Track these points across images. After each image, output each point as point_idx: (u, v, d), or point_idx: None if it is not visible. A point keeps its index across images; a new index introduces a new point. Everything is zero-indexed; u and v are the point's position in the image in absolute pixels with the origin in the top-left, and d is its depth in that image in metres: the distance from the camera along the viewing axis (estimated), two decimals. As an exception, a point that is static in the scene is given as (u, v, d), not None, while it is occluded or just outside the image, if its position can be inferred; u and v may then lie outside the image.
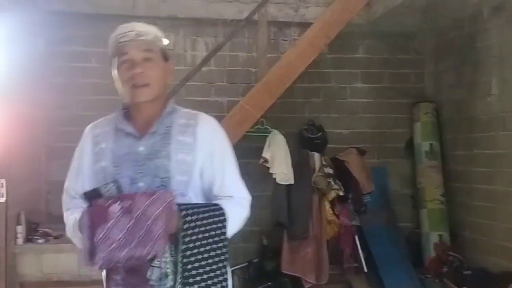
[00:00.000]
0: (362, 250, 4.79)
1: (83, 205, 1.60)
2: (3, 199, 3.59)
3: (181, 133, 1.65)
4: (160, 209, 1.43)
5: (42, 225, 4.15)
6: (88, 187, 1.63)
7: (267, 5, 4.46)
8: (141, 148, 1.62)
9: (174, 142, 1.63)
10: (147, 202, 1.43)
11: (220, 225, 1.57)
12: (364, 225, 4.87)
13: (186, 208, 1.52)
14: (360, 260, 4.77)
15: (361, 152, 4.94)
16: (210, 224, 1.55)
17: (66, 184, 1.80)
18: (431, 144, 5.13)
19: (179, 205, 1.51)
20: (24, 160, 4.09)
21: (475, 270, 4.45)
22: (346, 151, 4.96)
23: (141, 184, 1.58)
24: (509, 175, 4.21)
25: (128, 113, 1.71)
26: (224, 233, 1.58)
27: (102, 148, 1.68)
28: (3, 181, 3.60)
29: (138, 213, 1.42)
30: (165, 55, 1.69)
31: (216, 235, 1.55)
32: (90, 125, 1.78)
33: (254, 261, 4.72)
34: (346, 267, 4.74)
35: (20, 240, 3.81)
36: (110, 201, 1.45)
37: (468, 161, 4.81)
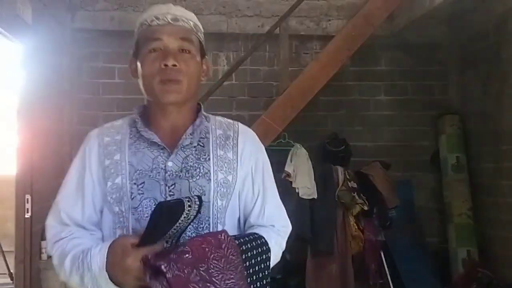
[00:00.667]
0: (388, 267, 4.68)
1: (82, 234, 1.30)
2: (28, 215, 3.63)
3: (220, 147, 1.35)
4: (234, 260, 1.16)
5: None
6: (91, 212, 1.32)
7: (289, 18, 4.46)
8: (170, 164, 1.29)
9: (213, 157, 1.32)
10: (213, 256, 1.13)
11: (265, 260, 1.29)
12: (389, 241, 4.77)
13: (240, 244, 1.23)
14: (386, 277, 4.67)
15: (386, 166, 4.87)
16: (258, 260, 1.28)
17: (58, 206, 1.36)
18: (457, 157, 5.03)
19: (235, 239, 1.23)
20: (49, 175, 4.14)
21: (505, 286, 4.33)
22: (370, 164, 4.88)
23: None
24: (540, 188, 4.10)
25: (146, 118, 1.38)
26: (268, 268, 1.30)
27: (116, 161, 1.32)
28: (29, 196, 3.64)
29: (216, 277, 1.12)
30: (202, 49, 1.41)
31: (260, 270, 1.28)
32: (93, 131, 1.41)
33: (278, 277, 4.66)
34: (371, 283, 4.65)
35: (44, 256, 3.83)
36: (185, 268, 1.09)
37: (495, 174, 4.70)
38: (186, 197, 1.14)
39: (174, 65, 1.28)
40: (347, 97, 5.27)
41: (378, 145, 5.25)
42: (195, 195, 1.20)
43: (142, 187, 1.28)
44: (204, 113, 1.41)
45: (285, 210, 1.47)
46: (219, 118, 1.45)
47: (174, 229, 1.14)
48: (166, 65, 1.28)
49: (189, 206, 1.13)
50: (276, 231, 1.39)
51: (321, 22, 5.04)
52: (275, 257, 1.35)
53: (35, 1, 3.78)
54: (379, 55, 5.35)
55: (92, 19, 4.76)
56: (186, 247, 1.11)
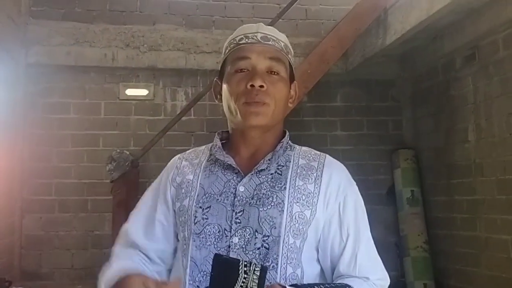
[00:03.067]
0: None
1: (127, 256, 1.21)
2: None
3: (301, 177, 1.20)
4: None
5: (16, 283, 3.99)
6: (160, 236, 1.22)
7: (247, 55, 4.52)
8: (242, 189, 1.17)
9: (290, 187, 1.17)
10: None
11: None
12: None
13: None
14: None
15: (343, 200, 4.91)
16: None
17: (124, 232, 1.30)
18: (412, 191, 5.14)
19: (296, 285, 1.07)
20: (-2, 214, 3.98)
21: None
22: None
23: (235, 240, 1.12)
24: (490, 221, 4.22)
25: (227, 143, 1.30)
26: None
27: (188, 181, 1.24)
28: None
29: None
30: (292, 73, 1.28)
31: None
32: (175, 157, 1.35)
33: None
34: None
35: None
36: None
37: (449, 208, 4.82)
38: (246, 261, 1.01)
39: (261, 86, 1.18)
40: (304, 132, 5.34)
41: (336, 179, 5.30)
42: (260, 263, 1.03)
43: (207, 212, 1.17)
44: (290, 142, 1.30)
45: (380, 260, 1.25)
46: (305, 148, 1.31)
47: None
48: (252, 86, 1.18)
49: (245, 272, 0.98)
50: (371, 285, 1.18)
51: (279, 59, 5.13)
52: None
53: (-12, 35, 3.71)
54: (335, 92, 5.47)
55: (48, 54, 4.69)
56: None
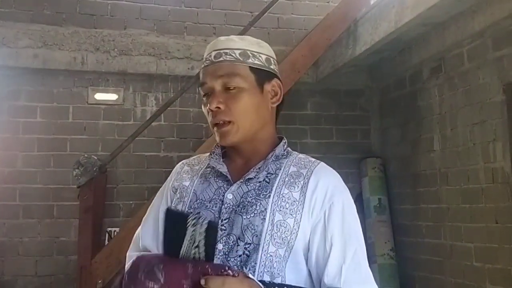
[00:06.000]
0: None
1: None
2: None
3: (287, 185, 1.19)
4: None
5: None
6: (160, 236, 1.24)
7: (218, 62, 4.52)
8: (230, 196, 1.18)
9: (275, 195, 1.16)
10: None
11: None
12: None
13: (272, 285, 1.07)
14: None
15: (312, 207, 4.95)
16: None
17: (136, 237, 1.36)
18: (379, 199, 5.22)
19: (264, 282, 1.06)
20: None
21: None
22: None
23: (219, 247, 1.13)
24: (454, 229, 4.32)
25: (225, 152, 1.32)
26: None
27: (184, 187, 1.28)
28: None
29: None
30: (260, 75, 1.26)
31: None
32: (180, 162, 1.39)
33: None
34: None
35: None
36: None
37: (415, 216, 4.91)
38: (195, 214, 1.07)
39: (218, 107, 1.21)
40: (274, 140, 5.36)
41: (305, 187, 5.34)
42: (208, 219, 1.06)
43: None
44: (288, 149, 1.31)
45: (371, 274, 1.22)
46: (302, 155, 1.31)
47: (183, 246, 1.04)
48: (211, 110, 1.23)
49: (194, 225, 1.02)
50: None
51: (250, 67, 5.15)
52: None
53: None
54: (306, 100, 5.53)
55: (15, 56, 4.58)
56: (162, 273, 1.02)
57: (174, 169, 1.38)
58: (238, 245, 1.12)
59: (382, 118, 5.57)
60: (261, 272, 1.10)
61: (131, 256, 1.30)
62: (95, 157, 4.04)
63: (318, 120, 5.53)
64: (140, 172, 4.80)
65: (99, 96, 4.96)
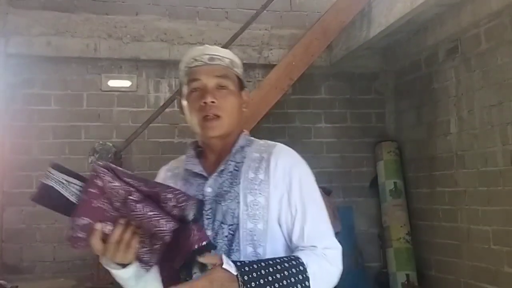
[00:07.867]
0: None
1: None
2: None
3: (253, 169, 1.38)
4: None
5: (-4, 276, 3.94)
6: None
7: (231, 47, 4.49)
8: (209, 190, 1.36)
9: (244, 180, 1.35)
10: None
11: (299, 285, 1.23)
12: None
13: (243, 266, 1.20)
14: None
15: (327, 192, 4.92)
16: (285, 286, 1.21)
17: None
18: (395, 183, 5.18)
19: (237, 264, 1.20)
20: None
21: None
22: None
23: (208, 233, 1.30)
24: (471, 212, 4.28)
25: (200, 151, 1.49)
26: None
27: None
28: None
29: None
30: (241, 83, 1.48)
31: None
32: (162, 168, 1.55)
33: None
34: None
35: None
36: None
37: (431, 199, 4.87)
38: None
39: (213, 102, 1.38)
40: (289, 124, 5.34)
41: (319, 171, 5.32)
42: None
43: None
44: (249, 138, 1.48)
45: (330, 230, 1.39)
46: (262, 141, 1.48)
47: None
48: (205, 103, 1.38)
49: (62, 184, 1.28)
50: (320, 253, 1.31)
51: (263, 51, 5.12)
52: (324, 283, 1.31)
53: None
54: (319, 84, 5.48)
55: (28, 44, 4.60)
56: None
57: (157, 177, 1.51)
58: (222, 228, 1.32)
59: (397, 101, 5.51)
60: (244, 245, 1.30)
61: None
62: (110, 144, 4.06)
63: (332, 104, 5.49)
64: (155, 159, 4.81)
65: (113, 83, 4.97)
